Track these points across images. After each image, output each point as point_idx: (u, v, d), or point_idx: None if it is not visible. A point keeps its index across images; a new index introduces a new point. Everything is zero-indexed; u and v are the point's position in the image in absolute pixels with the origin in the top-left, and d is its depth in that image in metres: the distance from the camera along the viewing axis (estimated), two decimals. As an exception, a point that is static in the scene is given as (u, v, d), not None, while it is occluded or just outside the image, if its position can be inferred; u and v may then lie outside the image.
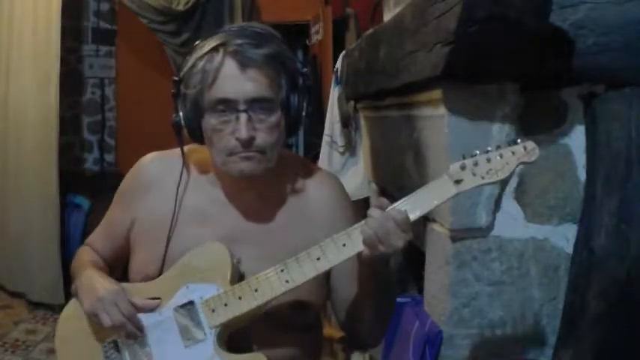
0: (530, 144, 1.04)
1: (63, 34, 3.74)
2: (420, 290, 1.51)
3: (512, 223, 1.25)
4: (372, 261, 1.09)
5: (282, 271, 1.10)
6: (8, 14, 3.74)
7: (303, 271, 1.09)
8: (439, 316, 1.30)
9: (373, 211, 1.06)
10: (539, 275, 1.25)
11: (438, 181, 1.05)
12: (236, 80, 1.12)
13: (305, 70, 1.22)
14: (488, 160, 1.04)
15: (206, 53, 1.13)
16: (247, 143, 1.13)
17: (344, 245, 1.08)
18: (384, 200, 1.08)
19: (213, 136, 1.15)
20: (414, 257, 1.78)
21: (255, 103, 1.13)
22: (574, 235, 1.21)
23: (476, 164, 1.04)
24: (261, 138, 1.14)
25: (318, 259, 1.08)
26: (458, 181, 1.04)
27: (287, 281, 1.10)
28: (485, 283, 1.25)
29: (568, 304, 1.19)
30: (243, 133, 1.11)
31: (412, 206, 1.06)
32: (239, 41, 1.12)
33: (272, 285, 1.10)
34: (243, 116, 1.12)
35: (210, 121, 1.14)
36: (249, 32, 1.15)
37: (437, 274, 1.33)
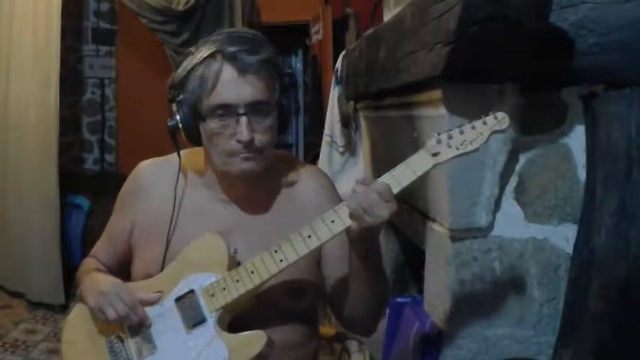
0: (501, 114, 1.08)
1: (63, 34, 3.74)
2: (420, 290, 1.52)
3: (512, 223, 1.25)
4: (362, 236, 1.13)
5: (275, 252, 1.15)
6: (8, 14, 3.74)
7: (295, 250, 1.14)
8: (439, 316, 1.30)
9: (357, 186, 1.12)
10: (539, 275, 1.25)
11: (416, 155, 1.11)
12: (235, 85, 1.17)
13: (290, 70, 1.29)
14: (462, 132, 1.08)
15: (202, 60, 1.19)
16: (248, 145, 1.18)
17: (332, 222, 1.13)
18: (368, 177, 1.12)
19: (214, 138, 1.20)
20: (414, 257, 1.78)
21: (254, 107, 1.18)
22: (574, 235, 1.21)
23: (450, 137, 1.09)
24: (259, 139, 1.20)
25: (309, 236, 1.14)
26: (435, 154, 1.09)
27: (281, 260, 1.15)
28: (486, 283, 1.25)
29: (568, 304, 1.19)
30: (245, 135, 1.17)
31: (394, 180, 1.11)
32: (234, 48, 1.18)
33: (267, 266, 1.16)
34: (243, 119, 1.17)
35: (210, 125, 1.19)
36: (241, 39, 1.21)
37: (437, 274, 1.33)
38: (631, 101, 1.10)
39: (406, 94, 1.50)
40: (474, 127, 1.08)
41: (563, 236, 1.25)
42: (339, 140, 2.73)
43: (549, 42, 1.10)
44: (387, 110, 1.80)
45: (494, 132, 1.07)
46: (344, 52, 2.60)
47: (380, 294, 1.27)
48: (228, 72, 1.17)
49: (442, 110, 1.23)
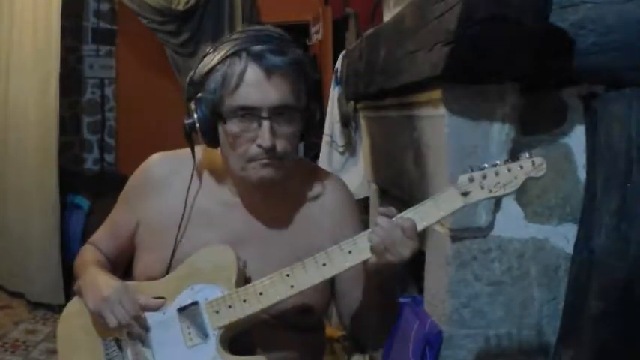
0: (539, 159, 1.04)
1: (63, 34, 3.73)
2: (420, 290, 1.51)
3: (512, 223, 1.25)
4: (379, 269, 1.09)
5: (287, 275, 1.10)
6: (8, 14, 3.74)
7: (308, 277, 1.09)
8: (439, 316, 1.30)
9: (380, 220, 1.06)
10: (539, 275, 1.25)
11: (446, 193, 1.06)
12: (259, 87, 1.10)
13: (317, 75, 1.22)
14: (497, 174, 1.04)
15: (226, 57, 1.12)
16: (269, 151, 1.12)
17: (350, 252, 1.08)
18: (392, 209, 1.08)
19: (233, 141, 1.14)
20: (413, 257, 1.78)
21: (278, 111, 1.12)
22: (574, 235, 1.21)
23: (484, 177, 1.04)
24: (281, 146, 1.13)
25: (324, 265, 1.09)
26: (465, 194, 1.05)
27: (292, 286, 1.10)
28: (485, 283, 1.25)
29: (568, 304, 1.19)
30: (267, 141, 1.10)
31: (419, 217, 1.06)
32: (261, 47, 1.11)
33: (277, 289, 1.11)
34: (266, 124, 1.11)
35: (230, 127, 1.13)
36: (267, 37, 1.14)
37: (437, 274, 1.33)
38: (631, 101, 1.10)
39: (406, 94, 1.50)
40: (509, 170, 1.04)
41: (563, 236, 1.25)
42: (339, 140, 2.72)
43: (549, 42, 1.10)
44: (387, 110, 1.80)
45: (530, 178, 1.04)
46: (344, 52, 2.60)
47: (391, 320, 1.26)
48: (253, 72, 1.10)
49: (442, 110, 1.22)
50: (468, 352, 1.26)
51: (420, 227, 1.05)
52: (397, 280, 1.21)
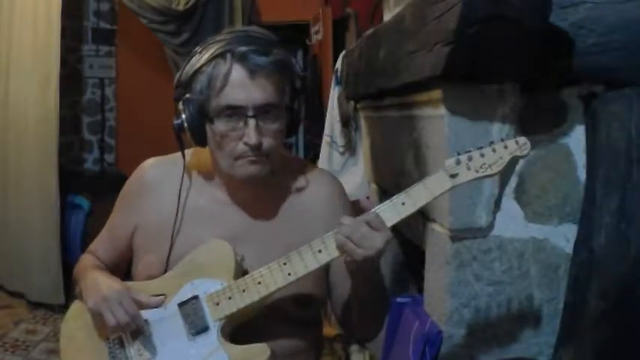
0: (522, 139, 1.08)
1: (63, 34, 3.73)
2: (420, 290, 1.51)
3: (512, 223, 1.25)
4: (359, 268, 1.12)
5: (284, 264, 1.13)
6: (8, 14, 3.74)
7: (304, 264, 1.13)
8: (439, 316, 1.30)
9: (344, 219, 1.11)
10: (539, 275, 1.25)
11: (435, 175, 1.09)
12: (245, 87, 1.14)
13: (303, 73, 1.26)
14: (482, 155, 1.08)
15: (211, 59, 1.15)
16: (256, 148, 1.16)
17: None
18: (372, 197, 1.12)
19: (220, 140, 1.17)
20: (414, 257, 1.78)
21: (263, 109, 1.16)
22: (574, 235, 1.21)
23: (470, 159, 1.08)
24: (268, 143, 1.17)
25: (320, 251, 1.12)
26: (453, 175, 1.08)
27: (289, 274, 1.13)
28: (485, 283, 1.25)
29: (568, 304, 1.19)
30: (253, 138, 1.14)
31: (410, 199, 1.10)
32: (245, 48, 1.14)
33: (275, 278, 1.14)
34: (252, 122, 1.15)
35: (217, 126, 1.16)
36: (252, 38, 1.17)
37: (437, 274, 1.33)
38: (631, 101, 1.10)
39: (406, 94, 1.50)
40: (494, 151, 1.07)
41: (563, 236, 1.25)
42: (339, 140, 2.72)
43: (549, 42, 1.10)
44: (387, 110, 1.80)
45: (515, 157, 1.08)
46: (344, 52, 2.60)
47: (382, 308, 1.27)
48: (238, 73, 1.14)
49: (442, 110, 1.23)
50: (468, 352, 1.26)
51: (410, 210, 1.10)
52: (381, 275, 1.23)
